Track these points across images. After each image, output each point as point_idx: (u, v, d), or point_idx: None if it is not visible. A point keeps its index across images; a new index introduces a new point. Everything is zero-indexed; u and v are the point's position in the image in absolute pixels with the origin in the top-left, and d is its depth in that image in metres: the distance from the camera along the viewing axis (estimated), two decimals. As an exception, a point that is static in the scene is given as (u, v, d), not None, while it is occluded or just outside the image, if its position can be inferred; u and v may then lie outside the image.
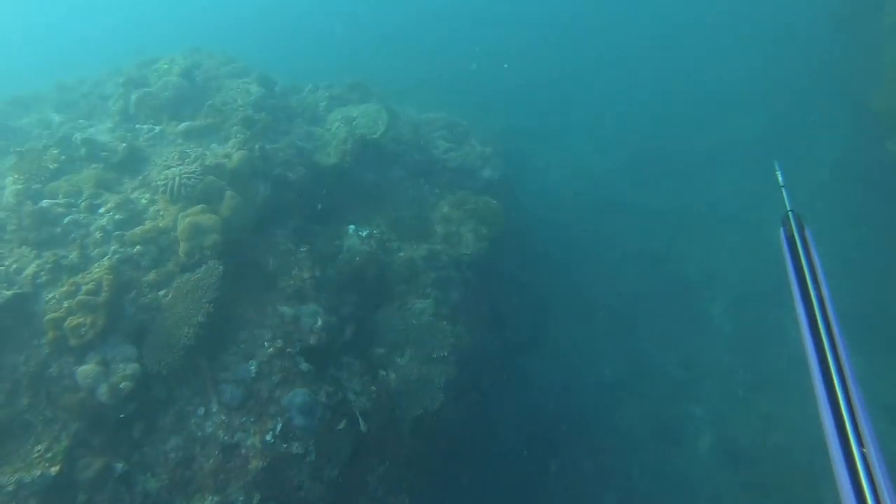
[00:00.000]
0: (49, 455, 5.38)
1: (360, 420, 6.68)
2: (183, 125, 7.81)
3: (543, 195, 16.78)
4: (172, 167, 6.88)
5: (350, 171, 8.50)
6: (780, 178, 2.48)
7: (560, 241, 15.07)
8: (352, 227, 8.34)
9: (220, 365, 6.08)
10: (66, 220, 6.27)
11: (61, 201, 6.44)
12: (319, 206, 8.37)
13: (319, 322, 6.64)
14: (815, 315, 1.56)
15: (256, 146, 7.51)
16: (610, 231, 16.13)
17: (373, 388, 7.10)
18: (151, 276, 6.00)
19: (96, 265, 5.86)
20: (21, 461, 5.39)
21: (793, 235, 1.89)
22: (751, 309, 13.92)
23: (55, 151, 7.08)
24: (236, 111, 8.10)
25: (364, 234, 8.23)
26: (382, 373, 7.45)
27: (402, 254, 8.25)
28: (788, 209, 2.10)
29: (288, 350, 6.34)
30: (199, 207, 6.35)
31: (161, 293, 5.97)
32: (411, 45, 23.23)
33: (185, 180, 6.49)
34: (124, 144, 7.30)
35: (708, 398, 12.69)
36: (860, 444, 1.23)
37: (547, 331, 12.21)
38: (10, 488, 4.91)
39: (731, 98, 19.96)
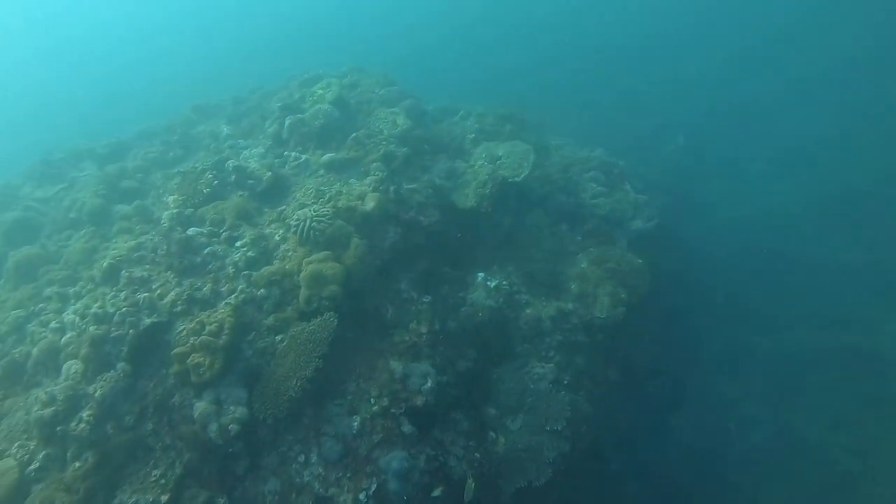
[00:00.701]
0: (163, 482, 5.66)
1: (469, 488, 6.35)
2: (326, 156, 7.88)
3: (708, 236, 15.24)
4: (307, 206, 6.94)
5: (487, 215, 8.10)
6: None
7: (724, 290, 13.56)
8: (481, 274, 7.96)
9: (325, 415, 6.04)
10: (206, 250, 6.54)
11: (205, 231, 6.74)
12: (451, 249, 8.12)
13: (429, 384, 6.36)
14: None
15: (391, 188, 7.37)
16: (786, 283, 14.22)
17: (476, 454, 6.73)
18: (271, 319, 6.07)
19: (223, 304, 6.05)
20: (140, 483, 5.73)
21: None
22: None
23: (209, 176, 7.46)
24: (379, 145, 8.02)
25: (493, 284, 7.82)
26: (492, 434, 7.05)
27: (529, 310, 7.73)
28: None
29: (392, 410, 6.13)
30: (323, 254, 6.32)
31: (278, 338, 6.02)
32: (577, 63, 22.14)
33: (314, 223, 6.49)
34: (270, 173, 7.51)
35: (884, 500, 10.77)
36: None
37: (692, 388, 11.09)
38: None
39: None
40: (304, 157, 8.03)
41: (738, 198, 17.09)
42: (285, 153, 8.18)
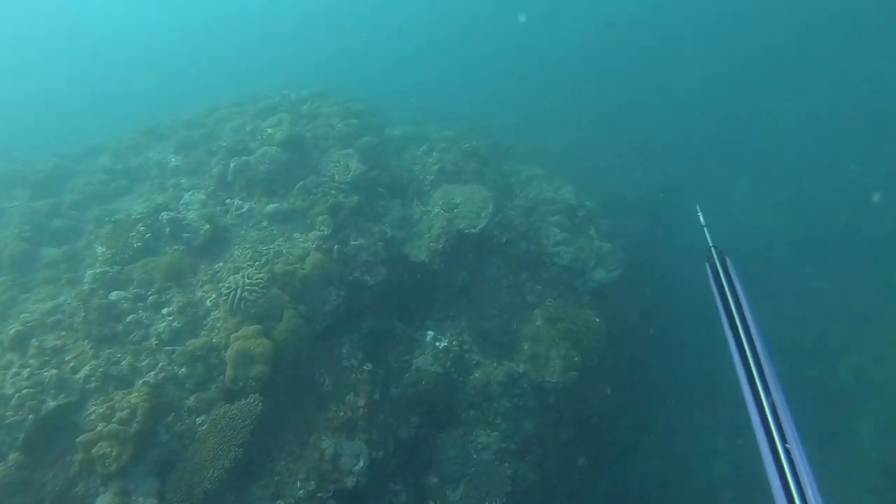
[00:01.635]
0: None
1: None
2: (271, 207, 7.45)
3: (686, 253, 14.92)
4: (242, 269, 6.54)
5: (440, 271, 7.72)
6: (701, 219, 2.80)
7: (695, 315, 13.29)
8: (430, 333, 7.61)
9: (247, 498, 5.68)
10: (130, 318, 6.13)
11: (130, 294, 6.32)
12: (402, 300, 7.77)
13: (361, 464, 6.03)
14: (740, 335, 1.78)
15: (335, 247, 6.97)
16: (758, 309, 13.91)
17: (414, 534, 6.45)
18: (192, 399, 5.69)
19: (141, 382, 5.66)
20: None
21: (716, 267, 2.07)
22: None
23: (142, 228, 7.03)
24: (327, 195, 7.60)
25: (442, 345, 7.47)
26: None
27: (478, 373, 7.40)
28: (711, 245, 2.36)
29: (319, 494, 5.80)
30: (252, 329, 5.93)
31: (199, 420, 5.65)
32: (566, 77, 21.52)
33: (246, 294, 6.09)
34: (208, 226, 7.08)
35: (839, 533, 10.65)
36: (784, 440, 1.53)
37: (659, 418, 10.93)
38: None
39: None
40: (247, 205, 7.59)
41: (716, 218, 16.81)
42: (228, 200, 7.74)
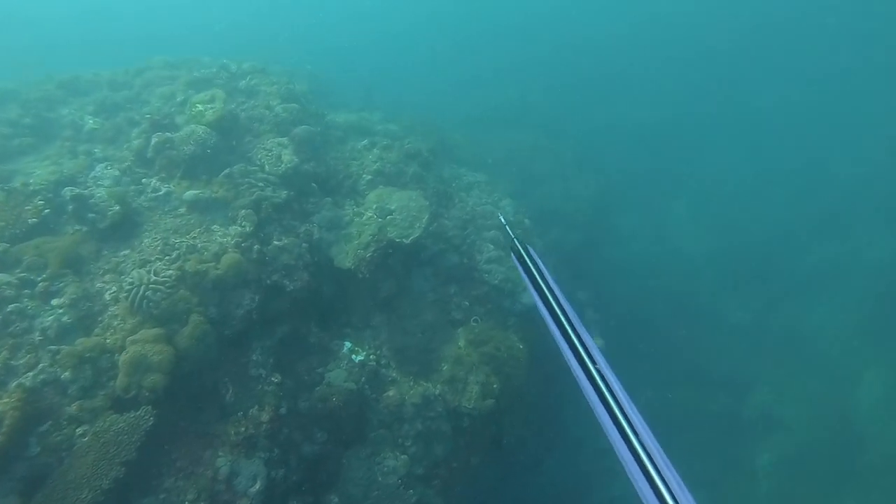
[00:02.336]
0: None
1: None
2: (191, 193, 6.90)
3: (619, 268, 15.13)
4: (150, 262, 6.02)
5: (365, 279, 7.41)
6: (502, 219, 3.39)
7: (616, 342, 13.53)
8: (348, 344, 7.31)
9: (128, 519, 5.27)
10: (12, 307, 5.52)
11: (15, 279, 5.69)
12: (322, 306, 7.43)
13: (258, 486, 5.71)
14: (549, 302, 2.11)
15: (255, 247, 6.53)
16: (677, 338, 14.29)
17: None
18: (74, 407, 5.19)
19: (14, 385, 5.10)
20: None
21: (521, 254, 2.46)
22: (802, 475, 12.08)
23: (41, 202, 6.35)
24: (253, 187, 7.12)
25: (358, 358, 7.19)
26: (329, 526, 6.53)
27: (392, 391, 7.17)
28: (513, 237, 2.74)
29: (208, 518, 5.45)
30: (153, 333, 5.46)
31: (79, 431, 5.15)
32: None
33: (150, 293, 5.60)
34: (117, 208, 6.48)
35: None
36: (593, 362, 1.91)
37: (569, 435, 11.07)
38: None
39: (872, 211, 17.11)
40: (165, 188, 7.01)
41: (650, 237, 17.15)
42: (145, 179, 7.12)
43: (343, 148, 9.52)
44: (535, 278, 2.32)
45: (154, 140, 7.29)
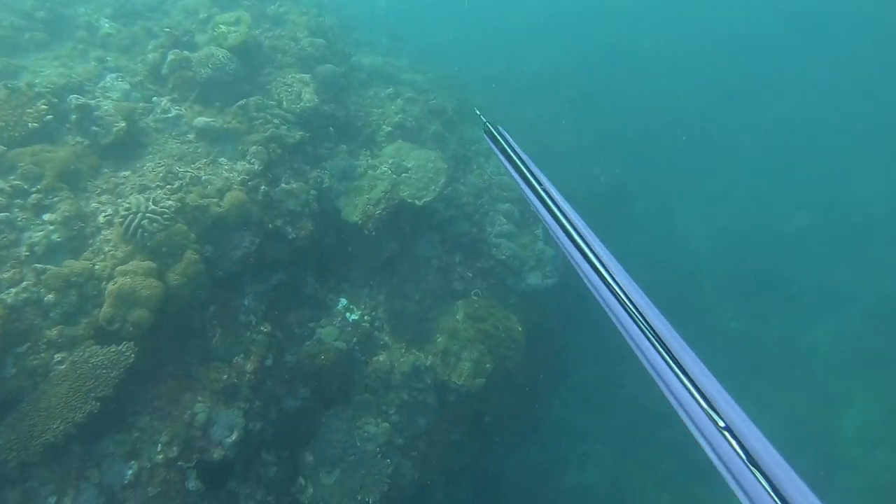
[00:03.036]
0: None
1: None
2: (202, 120, 6.52)
3: (620, 262, 14.79)
4: (150, 189, 5.69)
5: (370, 236, 7.11)
6: (477, 111, 3.25)
7: (612, 342, 13.35)
8: (343, 301, 7.08)
9: (96, 452, 5.10)
10: (1, 216, 5.21)
11: (7, 186, 5.37)
12: (322, 257, 7.16)
13: (234, 437, 5.55)
14: (521, 169, 2.41)
15: (262, 188, 6.21)
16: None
17: (274, 510, 6.11)
18: (55, 332, 4.95)
19: (-4, 298, 4.85)
20: None
21: (493, 133, 2.62)
22: None
23: (43, 106, 5.96)
24: (268, 123, 6.73)
25: (353, 317, 6.97)
26: (301, 481, 6.41)
27: (383, 356, 6.97)
28: (485, 121, 2.76)
29: (180, 462, 5.29)
30: (144, 265, 5.18)
31: (57, 357, 4.93)
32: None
33: (146, 222, 5.29)
34: (123, 124, 6.10)
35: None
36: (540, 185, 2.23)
37: (552, 417, 11.07)
38: None
39: None
40: (175, 110, 6.62)
41: (655, 232, 16.82)
42: (155, 98, 6.72)
43: (366, 93, 9.08)
44: (507, 151, 2.54)
45: (170, 57, 6.85)
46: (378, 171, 7.47)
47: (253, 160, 6.38)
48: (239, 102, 6.70)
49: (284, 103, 7.08)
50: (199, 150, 6.43)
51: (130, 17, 8.15)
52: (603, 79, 18.86)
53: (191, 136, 6.53)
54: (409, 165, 7.52)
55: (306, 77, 7.45)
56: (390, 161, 7.56)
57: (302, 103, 7.13)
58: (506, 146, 2.58)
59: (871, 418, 13.24)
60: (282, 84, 7.29)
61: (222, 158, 6.45)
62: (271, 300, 6.49)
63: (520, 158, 2.48)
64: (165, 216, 5.41)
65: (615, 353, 12.59)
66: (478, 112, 3.33)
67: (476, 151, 9.89)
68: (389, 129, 8.14)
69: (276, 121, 6.79)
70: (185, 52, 6.92)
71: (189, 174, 5.93)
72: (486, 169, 9.27)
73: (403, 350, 7.13)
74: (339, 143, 7.59)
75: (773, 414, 13.34)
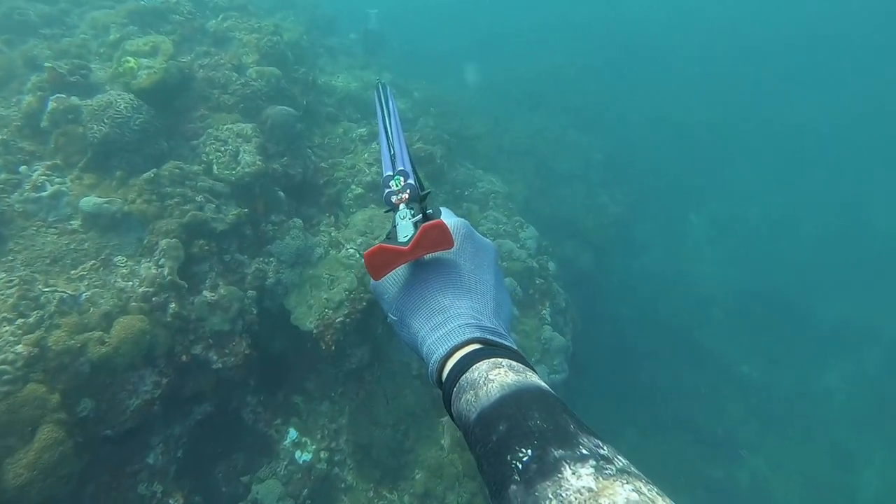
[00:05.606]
0: None
1: None
2: (91, 201, 4.66)
3: (618, 290, 13.14)
4: None
5: (330, 349, 5.32)
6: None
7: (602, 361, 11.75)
8: (293, 433, 5.32)
9: None
10: None
11: None
12: (267, 370, 5.36)
13: None
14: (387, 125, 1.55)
15: (171, 306, 4.37)
16: (668, 379, 12.53)
17: None
18: None
19: None
20: None
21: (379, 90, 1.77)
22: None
23: None
24: (188, 202, 4.87)
25: (305, 457, 5.22)
26: None
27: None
28: (378, 80, 2.25)
29: None
30: (-34, 464, 3.36)
31: None
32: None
33: (-26, 391, 3.46)
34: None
35: None
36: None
37: None
38: None
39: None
40: (54, 185, 4.73)
41: (660, 258, 15.16)
42: (24, 167, 4.82)
43: (334, 130, 7.21)
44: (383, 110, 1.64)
45: (52, 104, 4.95)
46: (342, 253, 5.65)
47: (162, 260, 4.53)
48: (145, 175, 4.81)
49: (215, 168, 5.22)
50: (85, 246, 4.57)
51: (17, 31, 6.18)
52: (610, 87, 17.04)
53: (75, 224, 4.65)
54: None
55: (248, 128, 5.55)
56: (359, 240, 5.73)
57: (239, 168, 5.27)
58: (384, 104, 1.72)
59: (893, 479, 11.92)
60: (213, 139, 5.41)
61: (119, 257, 4.59)
62: (191, 445, 4.71)
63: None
64: (6, 376, 3.58)
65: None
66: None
67: (469, 197, 8.11)
68: (360, 190, 6.29)
69: (200, 197, 4.93)
70: (72, 98, 5.00)
71: (58, 295, 4.07)
72: (481, 226, 7.48)
73: (371, 493, 5.39)
74: (291, 214, 5.75)
75: (786, 473, 11.97)
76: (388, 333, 5.91)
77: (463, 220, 1.04)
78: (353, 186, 6.31)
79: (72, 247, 4.53)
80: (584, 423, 0.64)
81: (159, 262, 4.55)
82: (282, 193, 5.76)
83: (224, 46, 6.68)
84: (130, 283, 4.43)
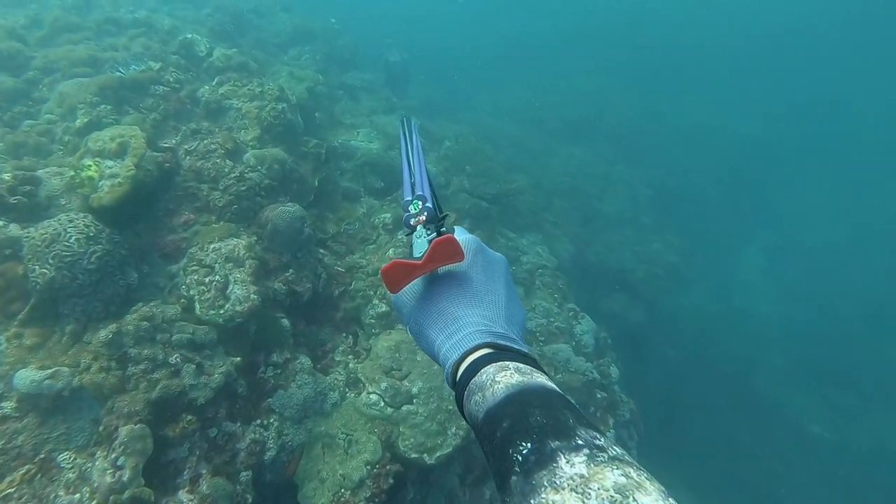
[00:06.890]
0: None
1: None
2: (29, 376, 3.52)
3: (664, 330, 11.75)
4: None
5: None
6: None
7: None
8: None
9: None
10: None
11: None
12: None
13: None
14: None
15: None
16: (727, 438, 11.14)
17: None
18: None
19: None
20: None
21: (403, 124, 1.82)
22: None
23: None
24: (161, 366, 3.68)
25: None
26: None
27: None
28: (403, 116, 2.23)
29: None
30: None
31: None
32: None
33: None
34: None
35: None
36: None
37: None
38: None
39: None
40: (-17, 350, 3.56)
41: (710, 293, 13.71)
42: None
43: (353, 212, 5.98)
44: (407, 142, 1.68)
45: (-18, 237, 3.78)
46: (362, 399, 4.43)
47: (122, 459, 3.36)
48: (102, 334, 3.62)
49: (198, 308, 4.02)
50: (18, 442, 3.41)
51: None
52: (651, 103, 15.54)
53: (7, 408, 3.49)
54: (415, 391, 4.48)
55: (241, 247, 4.33)
56: (383, 381, 4.50)
57: (229, 305, 4.07)
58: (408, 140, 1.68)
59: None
60: (196, 266, 4.21)
61: (64, 454, 3.43)
62: None
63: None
64: None
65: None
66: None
67: (513, 278, 6.83)
68: (384, 307, 5.05)
69: (175, 357, 3.74)
70: (11, 226, 3.83)
71: None
72: (535, 316, 6.21)
73: None
74: (298, 346, 4.55)
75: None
76: (423, 498, 4.69)
77: (475, 237, 1.07)
78: (376, 301, 5.07)
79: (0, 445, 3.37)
80: (585, 417, 0.68)
81: (118, 462, 3.37)
82: (286, 322, 4.55)
83: (219, 120, 5.49)
84: (77, 496, 3.26)
